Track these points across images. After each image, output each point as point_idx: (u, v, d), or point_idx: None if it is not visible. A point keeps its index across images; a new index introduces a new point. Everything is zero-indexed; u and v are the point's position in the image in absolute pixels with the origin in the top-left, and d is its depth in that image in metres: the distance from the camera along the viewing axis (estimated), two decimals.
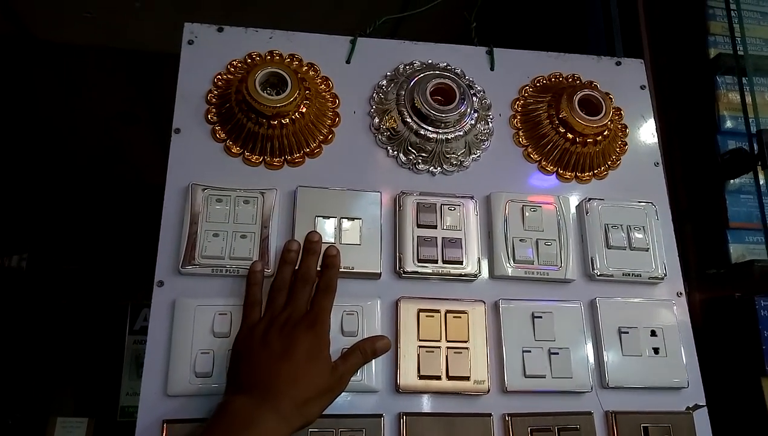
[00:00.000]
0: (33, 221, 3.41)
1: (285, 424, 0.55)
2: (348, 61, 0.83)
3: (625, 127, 0.87)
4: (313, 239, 0.70)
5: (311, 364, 0.60)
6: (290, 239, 0.71)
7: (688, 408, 0.74)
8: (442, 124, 0.77)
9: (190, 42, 0.79)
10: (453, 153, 0.79)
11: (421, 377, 0.69)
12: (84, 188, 3.50)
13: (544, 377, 0.71)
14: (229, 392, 0.61)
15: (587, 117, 0.79)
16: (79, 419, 2.98)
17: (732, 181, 0.97)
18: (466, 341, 0.71)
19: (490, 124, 0.83)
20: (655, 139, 0.88)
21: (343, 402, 0.67)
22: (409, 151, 0.78)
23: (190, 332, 0.67)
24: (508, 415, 0.70)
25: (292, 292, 0.66)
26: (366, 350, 0.65)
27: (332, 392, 0.61)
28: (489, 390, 0.70)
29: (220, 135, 0.75)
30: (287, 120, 0.73)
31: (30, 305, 3.54)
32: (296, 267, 0.69)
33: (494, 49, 0.88)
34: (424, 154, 0.78)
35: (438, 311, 0.72)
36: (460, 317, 0.72)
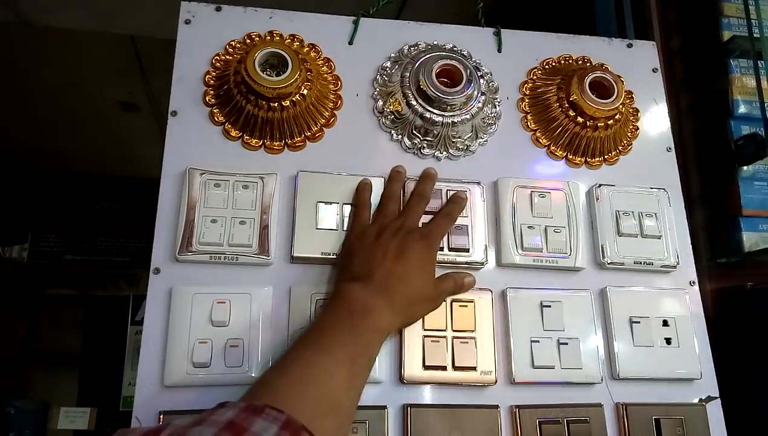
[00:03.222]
0: (33, 212, 3.40)
1: (396, 317, 0.60)
2: (350, 42, 0.80)
3: (637, 111, 0.84)
4: (430, 171, 0.74)
5: (420, 272, 0.63)
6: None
7: (701, 400, 0.72)
8: (448, 107, 0.75)
9: (187, 21, 0.76)
10: (459, 137, 0.76)
11: (426, 368, 0.67)
12: (84, 177, 3.48)
13: (552, 367, 0.69)
14: (343, 280, 0.63)
15: (599, 100, 0.76)
16: (82, 409, 2.99)
17: (745, 167, 0.94)
18: (472, 331, 0.69)
19: (498, 108, 0.80)
20: (668, 124, 0.85)
21: None
22: (414, 135, 0.76)
23: (187, 320, 0.65)
24: (516, 407, 0.68)
25: (408, 204, 0.71)
26: (457, 280, 0.68)
27: (432, 303, 0.66)
28: (496, 381, 0.68)
29: (218, 118, 0.73)
30: (288, 102, 0.70)
31: (32, 295, 3.54)
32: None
33: (502, 30, 0.85)
34: (429, 139, 0.76)
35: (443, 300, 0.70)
36: (466, 306, 0.70)
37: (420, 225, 0.69)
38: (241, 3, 0.79)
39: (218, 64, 0.75)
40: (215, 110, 0.73)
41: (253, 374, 0.64)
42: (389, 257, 0.62)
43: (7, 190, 3.19)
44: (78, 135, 2.92)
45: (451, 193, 0.73)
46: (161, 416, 0.61)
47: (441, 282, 0.67)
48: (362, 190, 0.71)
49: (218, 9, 0.78)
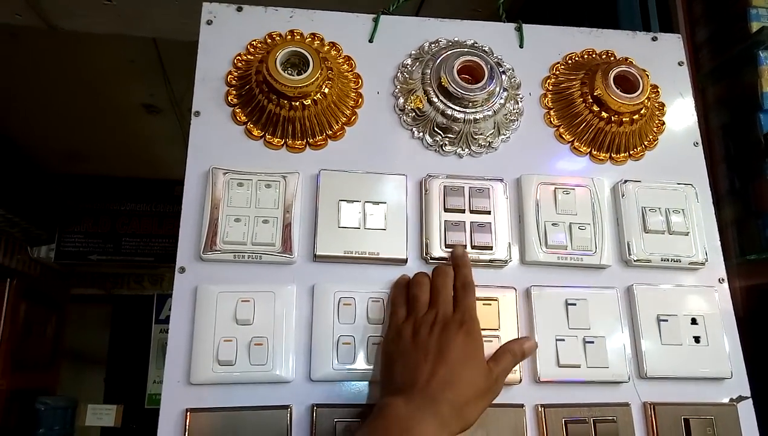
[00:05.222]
0: (60, 213, 3.47)
1: (445, 429, 0.53)
2: (371, 40, 0.80)
3: (663, 105, 0.83)
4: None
5: (467, 366, 0.58)
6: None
7: (732, 400, 0.70)
8: (470, 104, 0.74)
9: (209, 22, 0.77)
10: (481, 134, 0.76)
11: None
12: (108, 178, 3.54)
13: (578, 366, 0.68)
14: (386, 393, 0.59)
15: (624, 94, 0.75)
16: (109, 406, 3.04)
17: None
18: (496, 329, 0.68)
19: (520, 104, 0.80)
20: (694, 118, 0.83)
21: (372, 393, 0.65)
22: (435, 132, 0.75)
23: (212, 319, 0.65)
24: (541, 406, 0.67)
25: (434, 287, 0.65)
26: (516, 351, 0.63)
27: (489, 394, 0.59)
28: (521, 380, 0.67)
29: (240, 118, 0.73)
30: (309, 101, 0.71)
31: (59, 294, 3.61)
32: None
33: (523, 25, 0.84)
34: (451, 136, 0.75)
35: None
36: (490, 305, 0.69)
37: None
38: (261, 3, 0.79)
39: (240, 64, 0.75)
40: (237, 110, 0.73)
41: (277, 372, 0.64)
42: (431, 357, 0.57)
43: (35, 192, 3.26)
44: (102, 137, 2.97)
45: (474, 190, 0.73)
46: (188, 414, 0.62)
47: (496, 364, 0.61)
48: (398, 286, 0.68)
49: (239, 9, 0.78)
